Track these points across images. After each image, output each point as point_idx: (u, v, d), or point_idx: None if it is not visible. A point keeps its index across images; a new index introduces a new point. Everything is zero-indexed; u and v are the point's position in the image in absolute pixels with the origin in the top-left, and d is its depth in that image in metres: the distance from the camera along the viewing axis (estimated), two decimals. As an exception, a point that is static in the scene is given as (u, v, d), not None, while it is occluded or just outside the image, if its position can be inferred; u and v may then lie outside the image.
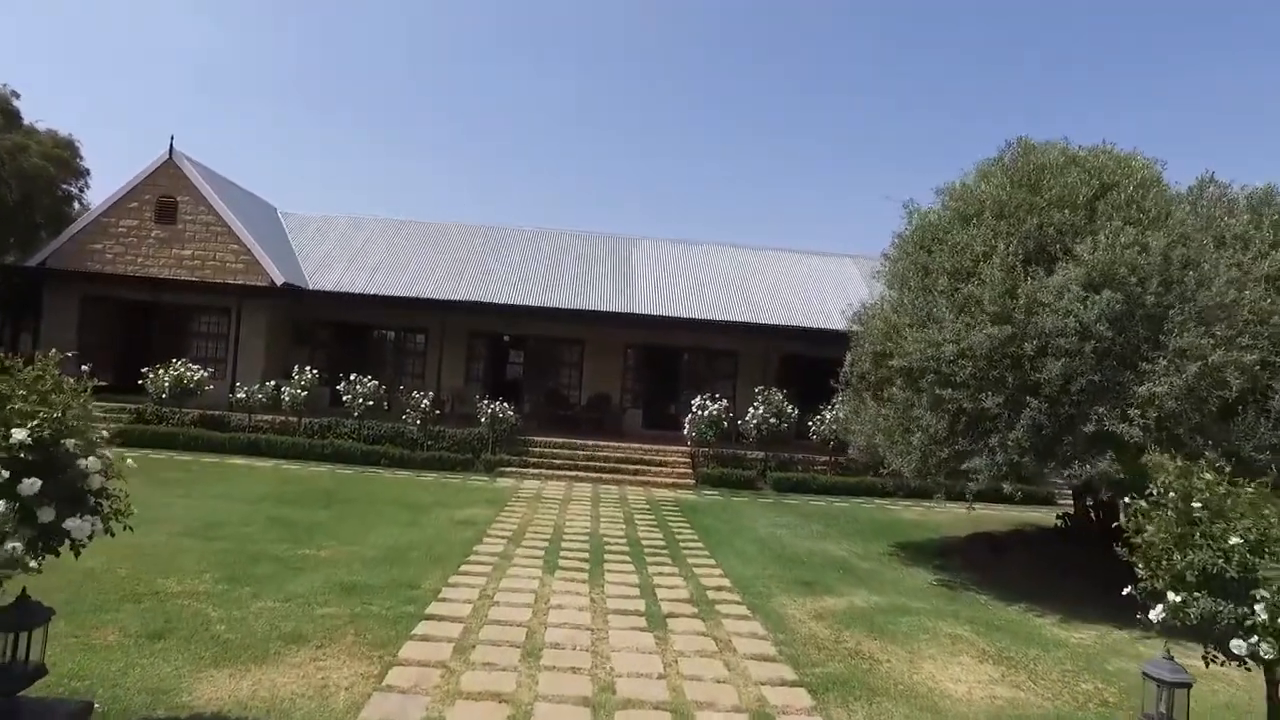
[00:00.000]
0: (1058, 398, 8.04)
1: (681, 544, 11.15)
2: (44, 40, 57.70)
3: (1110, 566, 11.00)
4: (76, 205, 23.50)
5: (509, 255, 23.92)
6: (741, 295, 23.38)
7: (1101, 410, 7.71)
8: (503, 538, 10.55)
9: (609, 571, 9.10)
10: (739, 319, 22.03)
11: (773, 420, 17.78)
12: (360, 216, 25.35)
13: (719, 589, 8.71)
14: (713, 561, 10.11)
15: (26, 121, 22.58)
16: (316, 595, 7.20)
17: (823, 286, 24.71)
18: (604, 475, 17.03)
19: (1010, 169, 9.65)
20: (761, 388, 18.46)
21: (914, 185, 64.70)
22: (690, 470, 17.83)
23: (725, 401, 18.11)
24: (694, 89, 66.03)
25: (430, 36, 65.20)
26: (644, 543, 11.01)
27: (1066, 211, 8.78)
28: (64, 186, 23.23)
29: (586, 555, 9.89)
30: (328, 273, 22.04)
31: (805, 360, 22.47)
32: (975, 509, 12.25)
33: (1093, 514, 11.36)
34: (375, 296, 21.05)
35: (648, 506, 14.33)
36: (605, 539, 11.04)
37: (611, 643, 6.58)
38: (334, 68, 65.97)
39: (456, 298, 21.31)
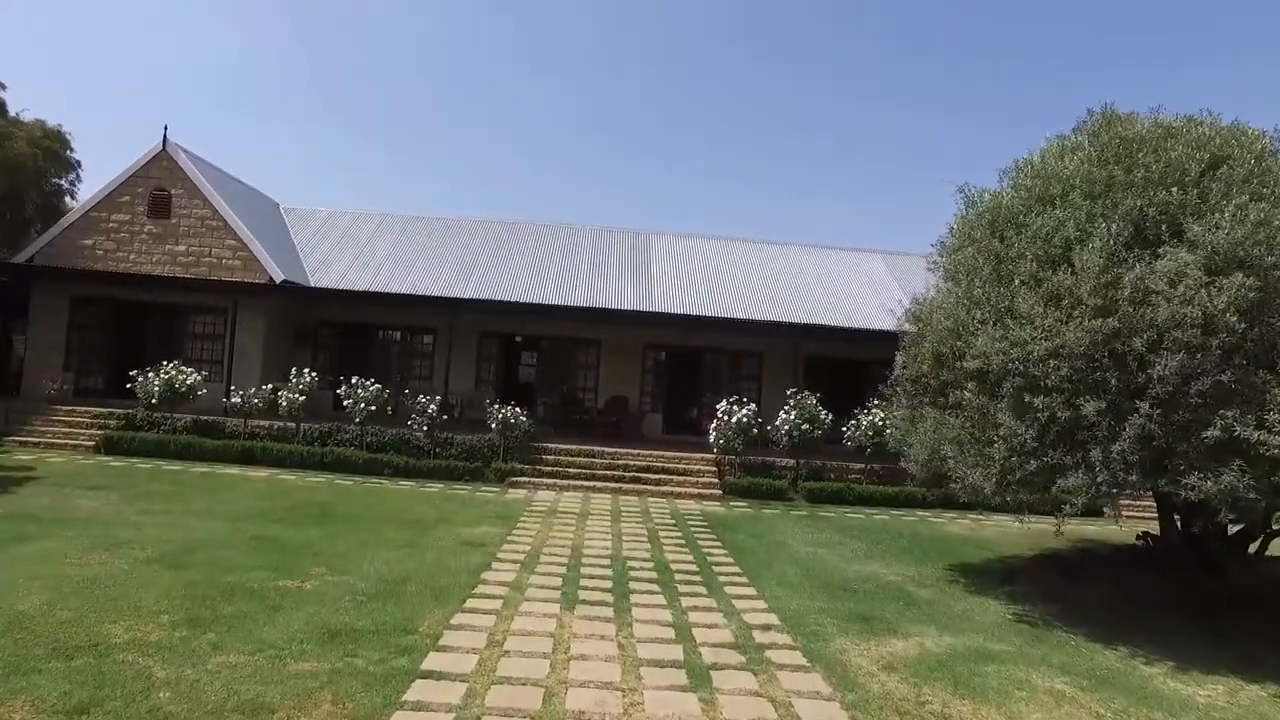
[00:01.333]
0: (1172, 400, 6.75)
1: (715, 567, 9.92)
2: (40, 32, 57.13)
3: (1208, 597, 9.78)
4: (68, 200, 22.49)
5: (521, 251, 22.75)
6: (766, 292, 22.13)
7: (1231, 415, 6.42)
8: (514, 562, 9.34)
9: (637, 606, 7.87)
10: (765, 317, 20.80)
11: (805, 426, 16.51)
12: (365, 211, 24.24)
13: (766, 628, 7.46)
14: (753, 591, 8.86)
15: (13, 112, 21.58)
16: (292, 644, 6.00)
17: (850, 283, 23.45)
18: (624, 485, 15.80)
19: (1098, 143, 8.36)
20: (793, 390, 17.18)
21: (928, 184, 63.20)
22: (716, 480, 16.58)
23: (753, 406, 16.84)
24: (694, 87, 64.84)
25: (449, 37, 64.33)
26: (673, 567, 9.78)
27: (1174, 190, 7.48)
28: (54, 180, 22.20)
29: (610, 584, 8.66)
30: (330, 270, 20.94)
31: (834, 361, 21.24)
32: (1027, 523, 11.02)
33: (1181, 532, 10.03)
34: (380, 294, 19.94)
35: (673, 522, 13.09)
36: (630, 562, 9.81)
37: (648, 711, 5.35)
38: (338, 70, 65.17)
39: (466, 295, 20.16)
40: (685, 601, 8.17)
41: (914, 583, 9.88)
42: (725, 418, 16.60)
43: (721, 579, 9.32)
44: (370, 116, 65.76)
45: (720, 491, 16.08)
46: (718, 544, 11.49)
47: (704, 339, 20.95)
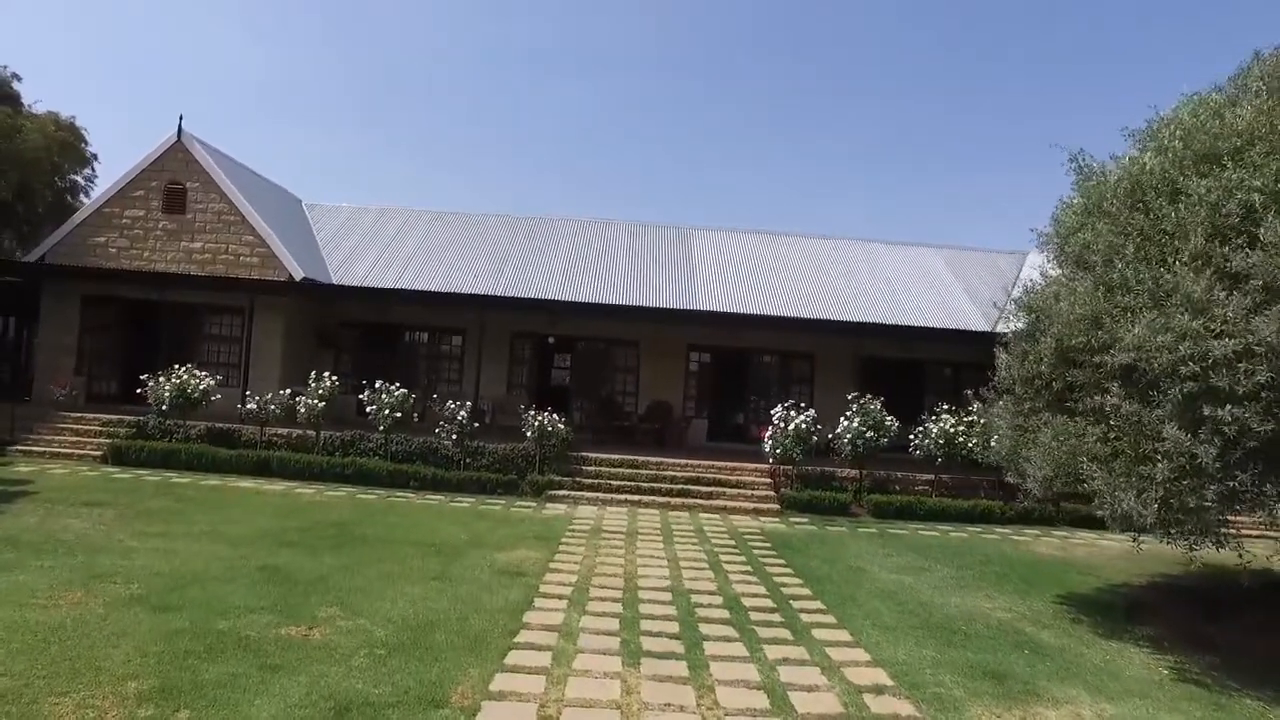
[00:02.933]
0: None
1: (793, 602, 8.46)
2: (55, 22, 56.98)
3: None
4: (82, 195, 21.53)
5: (555, 248, 21.45)
6: (816, 289, 20.63)
7: None
8: (560, 597, 7.96)
9: (714, 659, 6.44)
10: (816, 315, 19.29)
11: (870, 434, 14.96)
12: (391, 207, 23.07)
13: (878, 690, 6.00)
14: (847, 635, 7.40)
15: (27, 104, 20.68)
16: (289, 724, 4.66)
17: (906, 280, 21.86)
18: (672, 500, 14.37)
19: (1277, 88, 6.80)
20: (854, 395, 15.64)
21: (954, 184, 60.96)
22: (773, 492, 15.09)
23: (813, 412, 15.34)
24: (721, 88, 63.30)
25: (472, 40, 63.46)
26: (745, 602, 8.35)
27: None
28: (69, 176, 21.26)
29: (676, 627, 7.24)
30: (354, 267, 19.78)
31: (889, 362, 19.67)
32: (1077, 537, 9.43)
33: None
34: (405, 291, 18.71)
35: (732, 543, 11.63)
36: (694, 596, 8.39)
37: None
38: (364, 77, 64.49)
39: (497, 293, 18.87)
40: (770, 652, 6.73)
41: (1029, 621, 8.36)
42: (782, 424, 15.11)
43: (805, 618, 7.87)
44: (394, 122, 65.05)
45: (778, 506, 14.59)
46: (787, 570, 10.04)
47: (751, 339, 19.48)
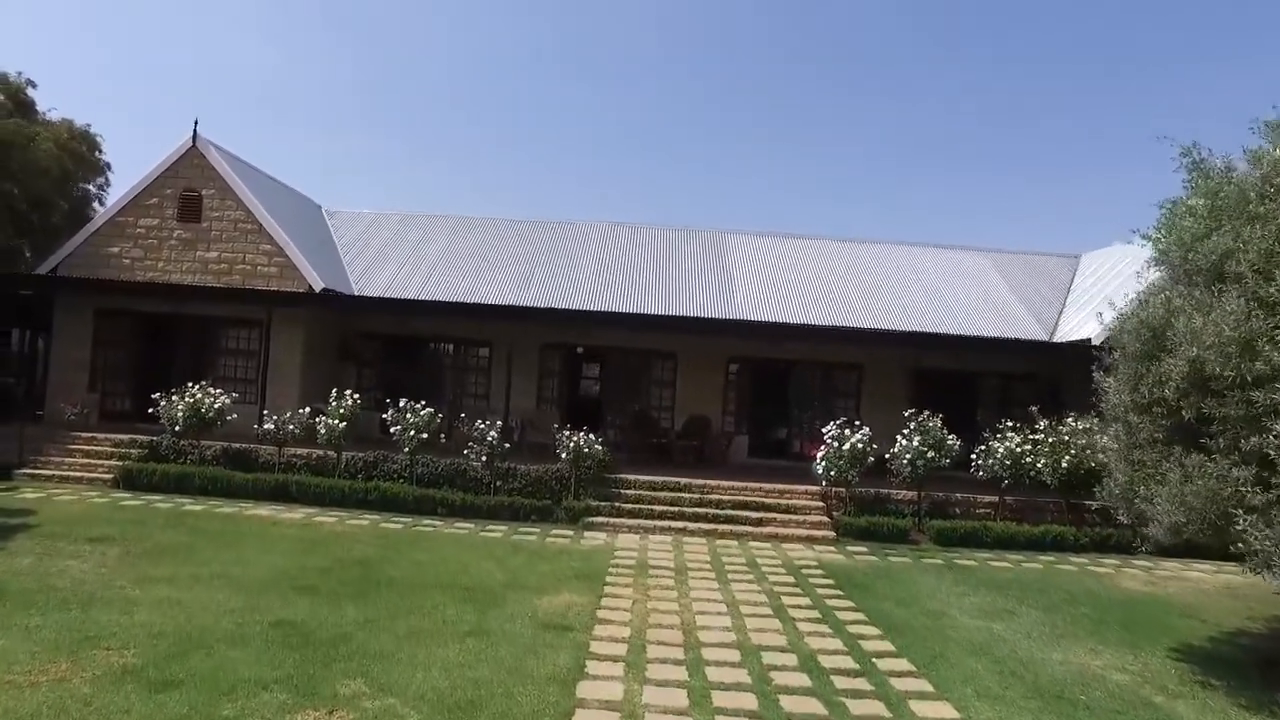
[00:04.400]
0: None
1: (876, 660, 7.41)
2: (70, 29, 56.88)
3: None
4: (96, 205, 20.85)
5: (585, 254, 20.48)
6: (862, 297, 19.52)
7: None
8: (614, 659, 6.95)
9: (809, 751, 5.40)
10: (862, 323, 18.19)
11: (930, 454, 13.84)
12: (413, 213, 22.18)
13: (1014, 797, 4.93)
14: (949, 708, 6.35)
15: (41, 111, 20.04)
16: None
17: (954, 285, 20.69)
18: (719, 526, 13.32)
19: None
20: (912, 411, 14.52)
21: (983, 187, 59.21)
22: (826, 518, 14.01)
23: (867, 430, 14.23)
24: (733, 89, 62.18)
25: (490, 44, 62.84)
26: (824, 662, 7.29)
27: None
28: (82, 185, 20.56)
29: (754, 702, 6.22)
30: (376, 277, 18.91)
31: (944, 374, 18.51)
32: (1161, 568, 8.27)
33: None
34: (430, 303, 17.80)
35: (791, 580, 10.56)
36: (765, 656, 7.35)
37: None
38: (381, 79, 64.01)
39: (526, 303, 17.92)
40: (872, 737, 5.69)
41: (1152, 685, 7.25)
42: (835, 444, 14.02)
43: (896, 684, 6.81)
44: (412, 126, 64.51)
45: (832, 533, 13.51)
46: (860, 615, 8.98)
47: (793, 350, 18.40)
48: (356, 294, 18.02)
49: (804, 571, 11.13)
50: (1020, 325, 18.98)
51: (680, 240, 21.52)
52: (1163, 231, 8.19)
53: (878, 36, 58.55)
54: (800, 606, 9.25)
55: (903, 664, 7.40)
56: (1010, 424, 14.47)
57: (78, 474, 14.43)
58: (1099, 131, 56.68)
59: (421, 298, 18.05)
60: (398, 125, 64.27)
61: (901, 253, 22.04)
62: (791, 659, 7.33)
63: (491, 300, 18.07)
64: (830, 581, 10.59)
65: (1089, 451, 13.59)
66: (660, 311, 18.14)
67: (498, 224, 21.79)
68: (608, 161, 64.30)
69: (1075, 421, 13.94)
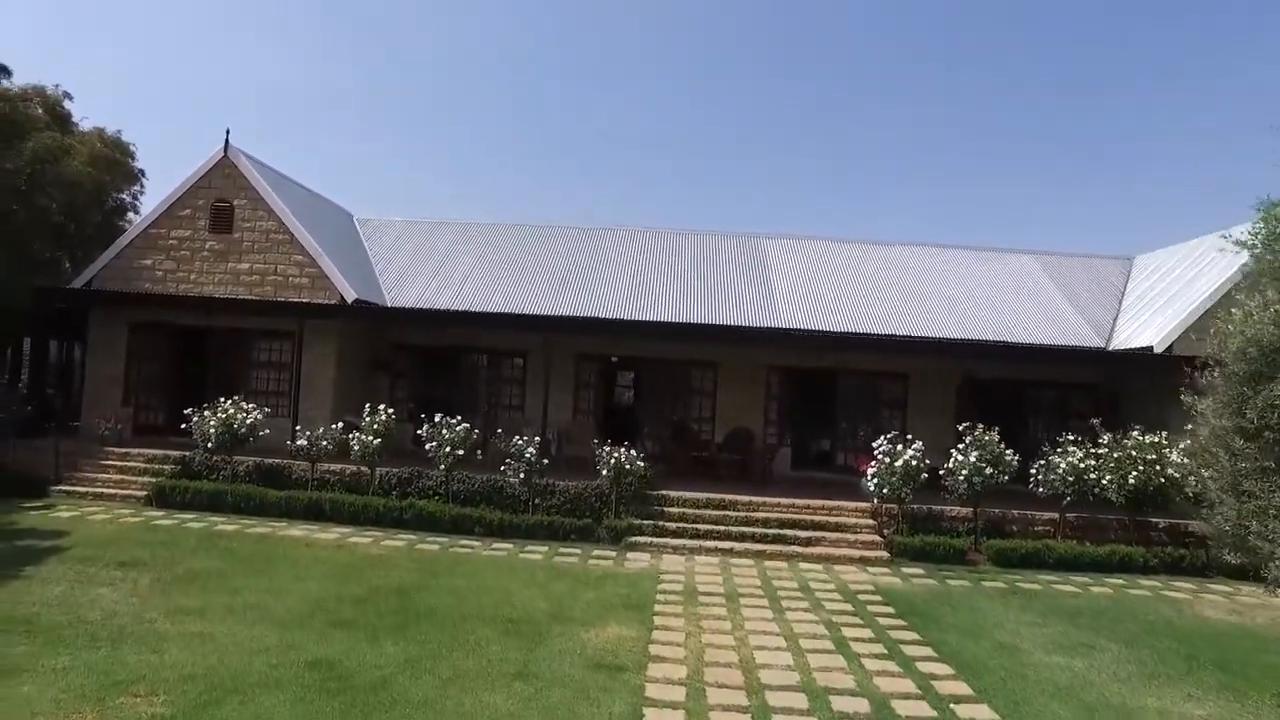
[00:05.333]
0: None
1: (954, 706, 6.85)
2: (102, 38, 57.54)
3: None
4: (130, 215, 20.75)
5: (621, 260, 20.00)
6: (907, 302, 18.83)
7: None
8: (674, 706, 6.46)
9: (902, 826, 4.85)
10: (909, 330, 17.53)
11: (987, 470, 13.18)
12: (445, 220, 21.84)
13: None
14: (1048, 769, 5.75)
15: (76, 121, 19.95)
16: None
17: (1002, 290, 19.92)
18: (766, 547, 12.77)
19: None
20: (967, 424, 13.87)
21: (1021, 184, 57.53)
22: (877, 537, 13.40)
23: (919, 444, 13.59)
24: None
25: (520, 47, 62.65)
26: (897, 707, 6.75)
27: None
28: (115, 194, 20.45)
29: (831, 760, 5.67)
30: (408, 286, 18.58)
31: (995, 383, 17.76)
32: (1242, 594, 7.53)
33: None
34: (464, 314, 17.44)
35: (849, 608, 9.99)
36: (834, 700, 6.81)
37: None
38: (407, 85, 64.10)
39: (561, 312, 17.49)
40: (967, 807, 5.12)
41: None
42: (887, 459, 13.40)
43: (983, 737, 6.24)
44: (440, 131, 64.52)
45: (885, 553, 12.89)
46: (927, 649, 8.40)
47: (837, 359, 17.77)
48: (389, 305, 17.69)
49: (861, 597, 10.55)
50: (1074, 332, 18.20)
51: (717, 245, 20.98)
52: (1261, 236, 7.52)
53: (910, 38, 57.56)
54: (863, 640, 8.69)
55: (984, 711, 6.82)
56: (1071, 437, 13.76)
57: (111, 491, 14.22)
58: (1133, 131, 55.20)
59: (455, 307, 17.67)
60: (427, 131, 64.36)
61: (946, 256, 21.30)
62: (863, 705, 6.78)
63: (526, 309, 17.66)
64: (890, 609, 10.01)
65: (1158, 467, 12.92)
66: (699, 319, 17.60)
67: (531, 230, 21.39)
68: (642, 165, 63.82)
69: (1142, 435, 13.24)
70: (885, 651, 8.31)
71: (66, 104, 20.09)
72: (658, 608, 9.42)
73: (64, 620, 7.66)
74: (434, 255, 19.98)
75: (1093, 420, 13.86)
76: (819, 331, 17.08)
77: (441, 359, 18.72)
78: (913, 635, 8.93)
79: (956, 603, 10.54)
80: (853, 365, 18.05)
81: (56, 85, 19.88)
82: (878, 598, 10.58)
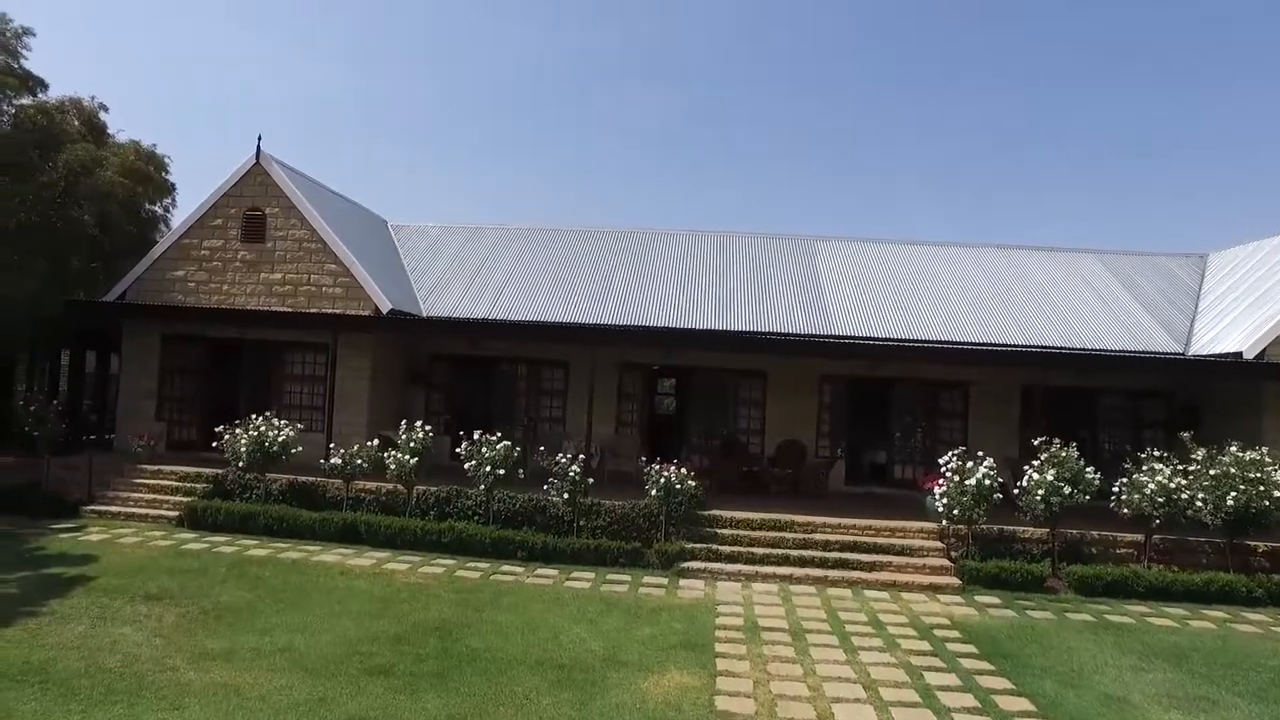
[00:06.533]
0: None
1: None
2: (137, 54, 58.10)
3: None
4: (163, 227, 20.46)
5: (665, 265, 19.25)
6: (969, 307, 17.86)
7: None
8: (753, 781, 5.66)
9: None
10: (970, 337, 16.57)
11: (1067, 490, 12.18)
12: (481, 226, 21.25)
13: None
14: None
15: (111, 132, 19.71)
16: None
17: (1066, 292, 18.83)
18: (829, 573, 11.91)
19: None
20: (1041, 439, 12.86)
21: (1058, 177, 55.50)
22: (946, 561, 12.47)
23: (990, 461, 12.64)
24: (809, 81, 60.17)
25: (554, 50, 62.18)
26: (1008, 782, 5.88)
27: None
28: (149, 207, 20.18)
29: None
30: (444, 296, 18.00)
31: (1061, 392, 16.72)
32: None
33: None
34: (505, 324, 16.84)
35: (927, 646, 9.11)
36: (933, 773, 5.97)
37: None
38: (442, 90, 63.94)
39: (605, 321, 16.78)
40: None
41: None
42: (956, 477, 12.47)
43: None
44: (473, 134, 64.25)
45: (956, 579, 11.96)
46: (1024, 704, 7.50)
47: (893, 368, 16.84)
48: (425, 314, 17.11)
49: (937, 633, 9.66)
50: (1147, 336, 17.07)
51: (766, 248, 20.13)
52: None
53: (959, 33, 56.09)
54: (950, 688, 7.82)
55: (1107, 784, 5.93)
56: (1156, 453, 12.70)
57: (143, 510, 13.78)
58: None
59: (493, 316, 17.06)
60: (462, 135, 64.18)
61: (1005, 257, 20.25)
62: (966, 776, 5.93)
63: (567, 317, 16.99)
64: (972, 649, 9.11)
65: (1262, 487, 11.84)
66: (748, 327, 16.79)
67: (569, 234, 20.73)
68: (690, 164, 62.98)
69: (1242, 451, 12.16)
70: (978, 704, 7.44)
71: (102, 115, 19.90)
72: (719, 647, 8.63)
73: (81, 667, 7.08)
74: (471, 261, 19.39)
75: (1181, 434, 12.82)
76: (885, 343, 16.10)
77: (479, 370, 18.09)
78: (1004, 683, 8.04)
79: (1043, 640, 9.61)
80: (910, 374, 17.12)
81: (93, 97, 19.71)
82: (955, 634, 9.69)
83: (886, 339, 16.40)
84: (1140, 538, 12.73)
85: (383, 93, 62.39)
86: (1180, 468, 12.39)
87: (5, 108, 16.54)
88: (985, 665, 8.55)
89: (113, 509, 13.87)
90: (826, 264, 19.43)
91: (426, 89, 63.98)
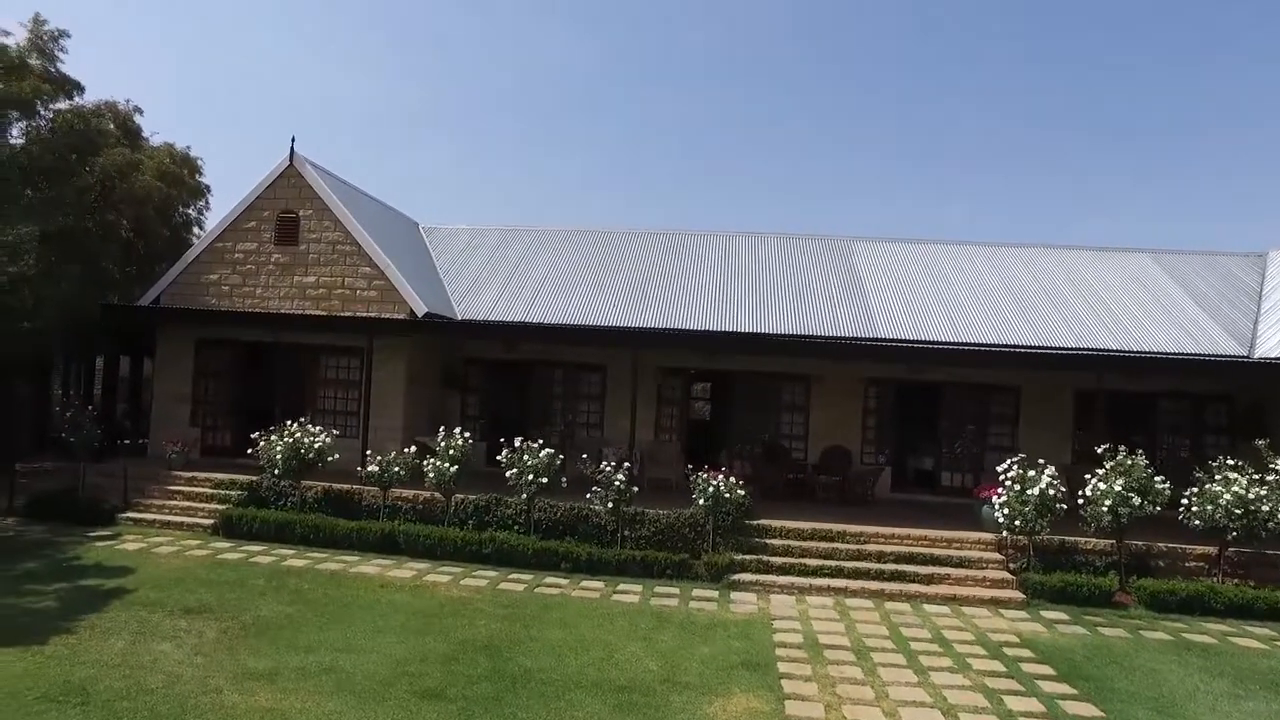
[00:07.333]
0: None
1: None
2: (174, 58, 58.52)
3: None
4: (196, 230, 20.35)
5: (702, 266, 18.80)
6: (1017, 308, 17.25)
7: None
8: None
9: None
10: (1020, 339, 15.97)
11: (1135, 500, 11.60)
12: (514, 227, 20.94)
13: None
14: None
15: (146, 135, 19.62)
16: None
17: (1118, 292, 18.16)
18: (885, 585, 11.41)
19: None
20: (1107, 447, 12.28)
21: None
22: (1006, 574, 11.93)
23: (1052, 469, 12.08)
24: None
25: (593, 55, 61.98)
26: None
27: None
28: (182, 211, 20.07)
29: None
30: (478, 298, 17.66)
31: (1115, 396, 15.97)
32: None
33: None
34: (544, 327, 16.49)
35: (1002, 669, 8.59)
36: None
37: None
38: (472, 96, 63.91)
39: (643, 323, 16.37)
40: None
41: None
42: (1016, 486, 11.93)
43: None
44: (506, 139, 64.16)
45: (1019, 593, 11.42)
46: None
47: (941, 372, 16.27)
48: (460, 317, 16.79)
49: (1008, 652, 9.15)
50: (1207, 338, 16.38)
51: (802, 248, 19.63)
52: None
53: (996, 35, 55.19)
54: (1034, 715, 7.33)
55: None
56: (1230, 461, 12.08)
57: (178, 518, 13.56)
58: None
59: (529, 319, 16.70)
60: (494, 138, 64.13)
61: (1053, 256, 19.60)
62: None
63: (603, 320, 16.59)
64: (1048, 670, 8.60)
65: (1352, 499, 11.21)
66: (790, 329, 16.31)
67: (605, 235, 20.34)
68: (730, 166, 62.48)
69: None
70: (1068, 735, 6.94)
71: (136, 119, 19.82)
72: (782, 667, 8.19)
73: (123, 687, 6.77)
74: (505, 264, 19.06)
75: (1256, 442, 12.19)
76: (936, 344, 15.49)
77: (514, 374, 17.74)
78: (1090, 709, 7.54)
79: (1122, 660, 9.07)
80: (958, 378, 16.52)
81: (127, 100, 19.64)
82: (1028, 653, 9.18)
83: (934, 342, 15.85)
84: (1212, 550, 12.13)
85: (406, 95, 62.49)
86: (1256, 476, 11.78)
87: (43, 112, 16.42)
88: (1066, 689, 8.04)
89: (148, 516, 13.66)
90: (865, 264, 18.91)
91: (458, 91, 64.01)
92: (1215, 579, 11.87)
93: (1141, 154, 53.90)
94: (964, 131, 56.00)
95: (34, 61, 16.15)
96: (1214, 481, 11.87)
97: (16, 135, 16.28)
